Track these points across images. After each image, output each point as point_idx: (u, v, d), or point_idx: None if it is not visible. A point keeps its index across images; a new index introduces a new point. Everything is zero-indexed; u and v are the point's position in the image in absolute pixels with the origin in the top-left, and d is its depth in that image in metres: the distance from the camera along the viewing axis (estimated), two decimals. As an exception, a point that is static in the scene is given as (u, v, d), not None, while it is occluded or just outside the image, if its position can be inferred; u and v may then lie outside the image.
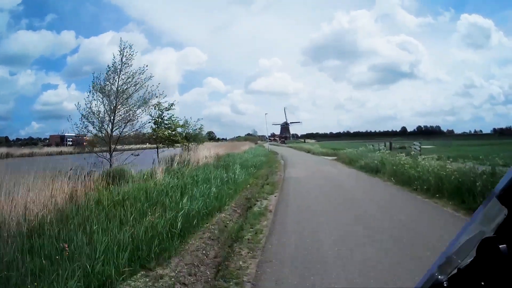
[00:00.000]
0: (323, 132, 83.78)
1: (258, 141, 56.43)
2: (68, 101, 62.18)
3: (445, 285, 0.68)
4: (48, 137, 58.57)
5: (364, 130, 78.92)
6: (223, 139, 68.52)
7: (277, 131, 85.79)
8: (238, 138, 60.31)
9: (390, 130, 73.11)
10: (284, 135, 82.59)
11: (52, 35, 65.96)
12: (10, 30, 59.61)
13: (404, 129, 72.65)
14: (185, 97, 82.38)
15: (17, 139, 59.32)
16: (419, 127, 73.88)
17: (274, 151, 32.64)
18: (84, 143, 11.33)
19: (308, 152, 30.91)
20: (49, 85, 76.42)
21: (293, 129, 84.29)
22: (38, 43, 63.79)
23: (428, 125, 73.71)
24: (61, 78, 78.39)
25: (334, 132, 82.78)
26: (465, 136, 57.77)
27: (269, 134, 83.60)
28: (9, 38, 59.52)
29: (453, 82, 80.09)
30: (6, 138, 57.83)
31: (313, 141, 66.88)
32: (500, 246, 0.60)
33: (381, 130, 75.32)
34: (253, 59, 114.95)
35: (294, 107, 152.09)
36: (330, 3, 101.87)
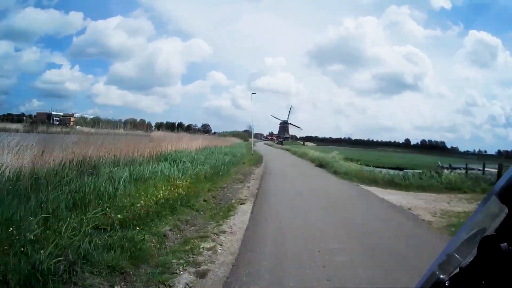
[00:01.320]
0: (322, 136, 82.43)
1: (250, 139, 52.79)
2: (70, 81, 60.62)
3: (447, 284, 0.65)
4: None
5: (366, 138, 77.79)
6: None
7: (275, 126, 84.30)
8: (224, 133, 56.55)
9: (392, 141, 71.72)
10: (283, 135, 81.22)
11: (60, 14, 64.28)
12: (18, 6, 57.41)
13: (407, 142, 71.36)
14: (188, 88, 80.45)
15: (8, 114, 57.26)
16: (423, 141, 72.60)
17: (259, 156, 20.82)
18: (71, 124, 9.52)
19: (321, 166, 16.10)
20: (53, 64, 76.93)
21: (292, 131, 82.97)
22: (45, 21, 62.69)
23: (433, 140, 72.92)
24: (66, 58, 77.51)
25: (334, 137, 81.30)
26: (470, 155, 56.33)
27: (267, 133, 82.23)
28: (17, 14, 57.48)
29: (454, 98, 79.80)
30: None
31: (312, 144, 65.20)
32: (501, 244, 0.57)
33: (383, 140, 74.33)
34: (258, 56, 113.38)
35: (295, 108, 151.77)
36: (338, 7, 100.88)
